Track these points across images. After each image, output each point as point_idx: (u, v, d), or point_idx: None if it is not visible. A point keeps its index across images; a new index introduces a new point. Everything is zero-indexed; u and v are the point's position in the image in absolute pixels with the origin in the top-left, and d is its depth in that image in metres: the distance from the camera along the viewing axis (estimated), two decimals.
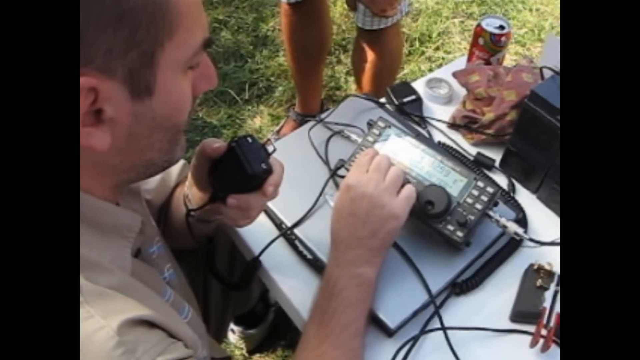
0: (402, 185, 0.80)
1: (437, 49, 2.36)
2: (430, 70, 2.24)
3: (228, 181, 0.74)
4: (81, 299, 0.53)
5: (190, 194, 0.83)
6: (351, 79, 2.19)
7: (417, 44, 2.36)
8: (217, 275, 0.96)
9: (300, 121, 1.98)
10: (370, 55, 1.64)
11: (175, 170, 0.93)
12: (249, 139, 0.73)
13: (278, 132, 2.03)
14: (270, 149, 0.74)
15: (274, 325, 1.55)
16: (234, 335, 1.52)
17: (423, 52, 2.33)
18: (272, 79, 2.24)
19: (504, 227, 0.85)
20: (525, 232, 0.87)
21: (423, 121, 1.11)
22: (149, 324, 0.57)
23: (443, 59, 2.31)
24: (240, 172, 0.71)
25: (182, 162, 0.93)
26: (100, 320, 0.52)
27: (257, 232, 0.93)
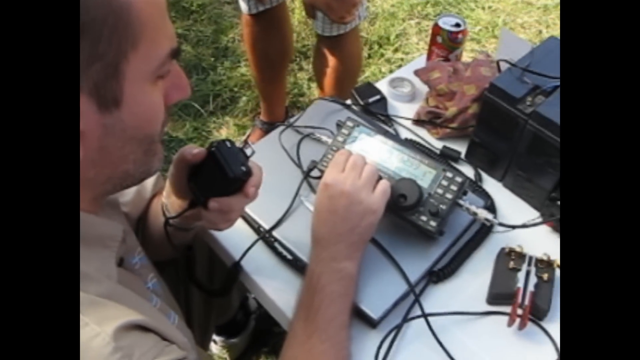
0: (377, 181, 0.83)
1: (396, 50, 2.41)
2: (391, 71, 2.29)
3: (209, 185, 0.76)
4: None
5: (169, 203, 0.84)
6: (314, 84, 2.22)
7: (376, 46, 2.40)
8: (197, 283, 0.97)
9: (267, 129, 1.99)
10: (331, 60, 1.66)
11: (150, 182, 0.93)
12: (228, 143, 0.74)
13: (245, 141, 2.04)
14: (248, 152, 0.75)
15: (255, 333, 1.56)
16: (216, 345, 1.53)
17: (382, 55, 2.38)
18: (236, 89, 2.25)
19: (475, 214, 0.88)
20: (495, 217, 0.90)
21: (389, 119, 1.14)
22: (143, 328, 0.58)
23: (402, 59, 2.36)
24: (221, 175, 0.73)
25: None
26: (95, 328, 0.53)
27: (235, 238, 0.94)
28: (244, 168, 0.73)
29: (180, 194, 0.81)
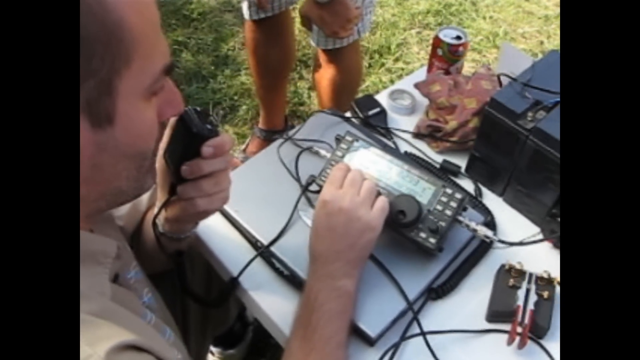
0: (376, 198, 0.82)
1: (397, 60, 2.40)
2: (391, 81, 2.29)
3: (179, 150, 0.75)
4: None
5: (161, 214, 0.83)
6: (314, 94, 2.22)
7: (376, 56, 2.40)
8: (189, 293, 0.96)
9: (265, 137, 1.99)
10: (329, 72, 1.65)
11: (145, 195, 0.92)
12: (198, 108, 0.74)
13: (244, 150, 2.04)
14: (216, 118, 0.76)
15: (253, 344, 1.55)
16: (213, 356, 1.52)
17: (383, 64, 2.38)
18: (236, 98, 2.25)
19: (474, 231, 0.87)
20: (495, 234, 0.90)
21: (388, 132, 1.13)
22: (137, 348, 0.56)
23: (403, 69, 2.36)
24: (187, 135, 0.72)
25: None
26: (87, 349, 0.52)
27: (233, 252, 0.94)
28: (209, 126, 0.72)
29: (166, 186, 0.80)
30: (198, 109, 0.73)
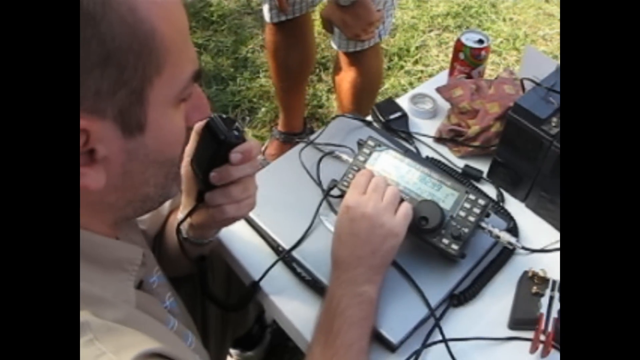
0: (399, 204, 0.82)
1: (416, 62, 2.39)
2: (410, 83, 2.28)
3: (205, 156, 0.75)
4: (90, 335, 0.53)
5: (185, 220, 0.84)
6: (332, 96, 2.22)
7: (395, 58, 2.39)
8: (211, 296, 0.97)
9: (284, 139, 1.99)
10: (349, 75, 1.65)
11: None
12: (224, 115, 0.74)
13: (263, 152, 2.04)
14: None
15: (271, 346, 1.55)
16: (231, 359, 1.52)
17: (402, 67, 2.37)
18: (255, 100, 2.25)
19: (497, 237, 0.87)
20: (518, 240, 0.89)
21: (410, 137, 1.13)
22: (161, 356, 0.57)
23: (422, 72, 2.35)
24: (215, 142, 0.72)
25: None
26: (112, 357, 0.52)
27: (254, 256, 0.94)
28: (236, 133, 0.72)
29: (192, 193, 0.80)
30: (224, 115, 0.74)
